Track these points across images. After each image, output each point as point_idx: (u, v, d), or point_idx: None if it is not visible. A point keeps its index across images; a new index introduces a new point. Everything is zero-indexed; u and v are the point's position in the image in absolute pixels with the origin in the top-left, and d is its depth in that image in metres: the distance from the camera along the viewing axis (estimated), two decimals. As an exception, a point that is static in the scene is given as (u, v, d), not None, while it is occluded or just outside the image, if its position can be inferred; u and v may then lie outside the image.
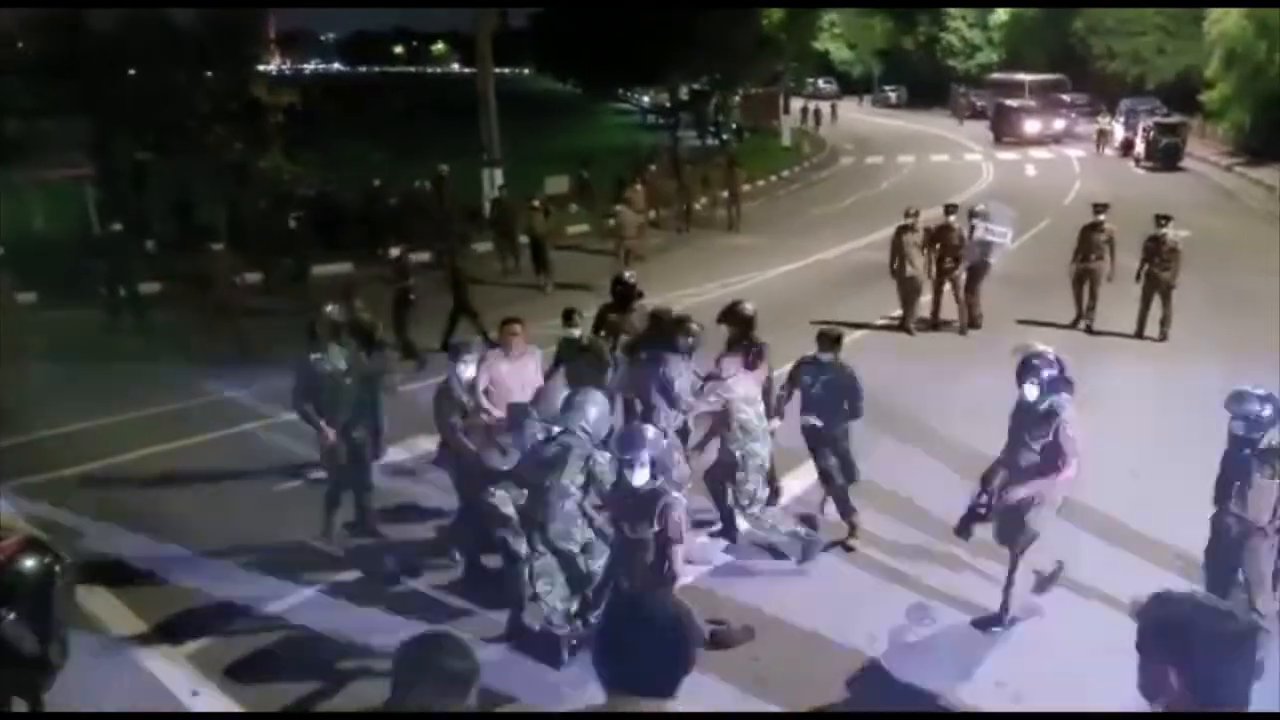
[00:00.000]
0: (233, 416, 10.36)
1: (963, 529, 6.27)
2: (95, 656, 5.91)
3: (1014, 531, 5.93)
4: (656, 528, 4.91)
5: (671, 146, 32.06)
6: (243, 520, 7.89)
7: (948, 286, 13.25)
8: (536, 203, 17.15)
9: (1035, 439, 5.80)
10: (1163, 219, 12.47)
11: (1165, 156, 30.64)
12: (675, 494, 5.08)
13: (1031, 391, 5.77)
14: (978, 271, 13.24)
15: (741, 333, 7.37)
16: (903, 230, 13.09)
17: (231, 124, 19.74)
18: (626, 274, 9.08)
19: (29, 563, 2.06)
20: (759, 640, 6.03)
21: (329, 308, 7.59)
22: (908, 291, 13.20)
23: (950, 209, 13.27)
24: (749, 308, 7.62)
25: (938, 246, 13.05)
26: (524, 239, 17.02)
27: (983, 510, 6.08)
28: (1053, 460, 5.75)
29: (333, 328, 7.37)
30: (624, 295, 8.71)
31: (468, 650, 2.56)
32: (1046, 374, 5.76)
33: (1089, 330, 12.93)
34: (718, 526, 7.47)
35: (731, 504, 7.09)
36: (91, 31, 18.05)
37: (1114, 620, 6.12)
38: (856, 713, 5.08)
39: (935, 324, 13.28)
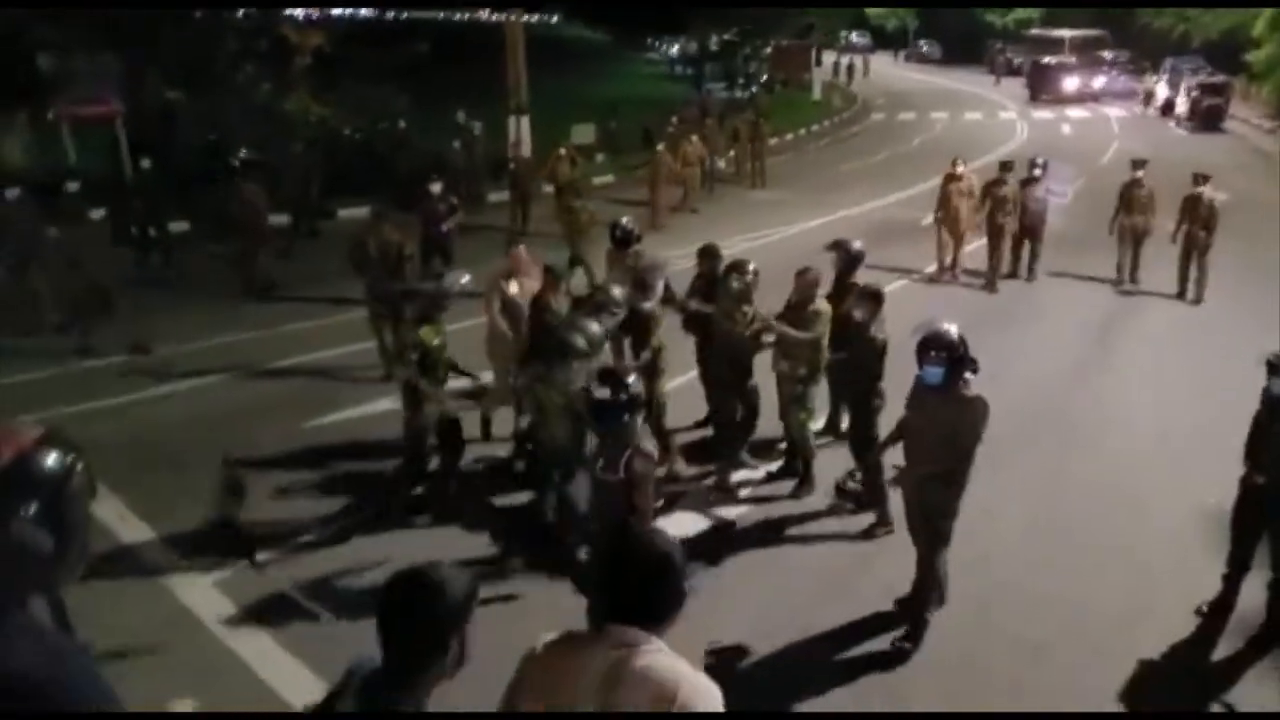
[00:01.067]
0: (259, 356, 10.46)
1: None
2: (125, 584, 6.04)
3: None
4: (622, 475, 4.67)
5: (701, 99, 31.61)
6: (269, 454, 7.97)
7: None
8: (563, 151, 17.01)
9: (940, 423, 5.23)
10: (1201, 178, 12.29)
11: (1207, 118, 30.00)
12: (647, 446, 4.85)
13: (934, 375, 5.23)
14: (1036, 227, 13.31)
15: (845, 267, 7.71)
16: (949, 179, 13.37)
17: (259, 64, 19.68)
18: (624, 219, 9.23)
19: (49, 458, 2.03)
20: (768, 590, 6.07)
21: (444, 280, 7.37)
22: (952, 239, 13.45)
23: (1005, 165, 13.30)
24: (856, 245, 7.89)
25: (989, 202, 13.08)
26: (549, 188, 16.91)
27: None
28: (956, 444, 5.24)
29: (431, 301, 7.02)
30: (622, 241, 8.90)
31: (455, 580, 2.33)
32: (947, 356, 5.17)
33: (1133, 283, 12.88)
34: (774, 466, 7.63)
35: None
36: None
37: (1136, 583, 6.14)
38: (858, 713, 5.08)
39: (992, 280, 13.20)
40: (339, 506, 7.19)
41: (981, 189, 13.28)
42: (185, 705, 4.97)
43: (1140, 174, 12.87)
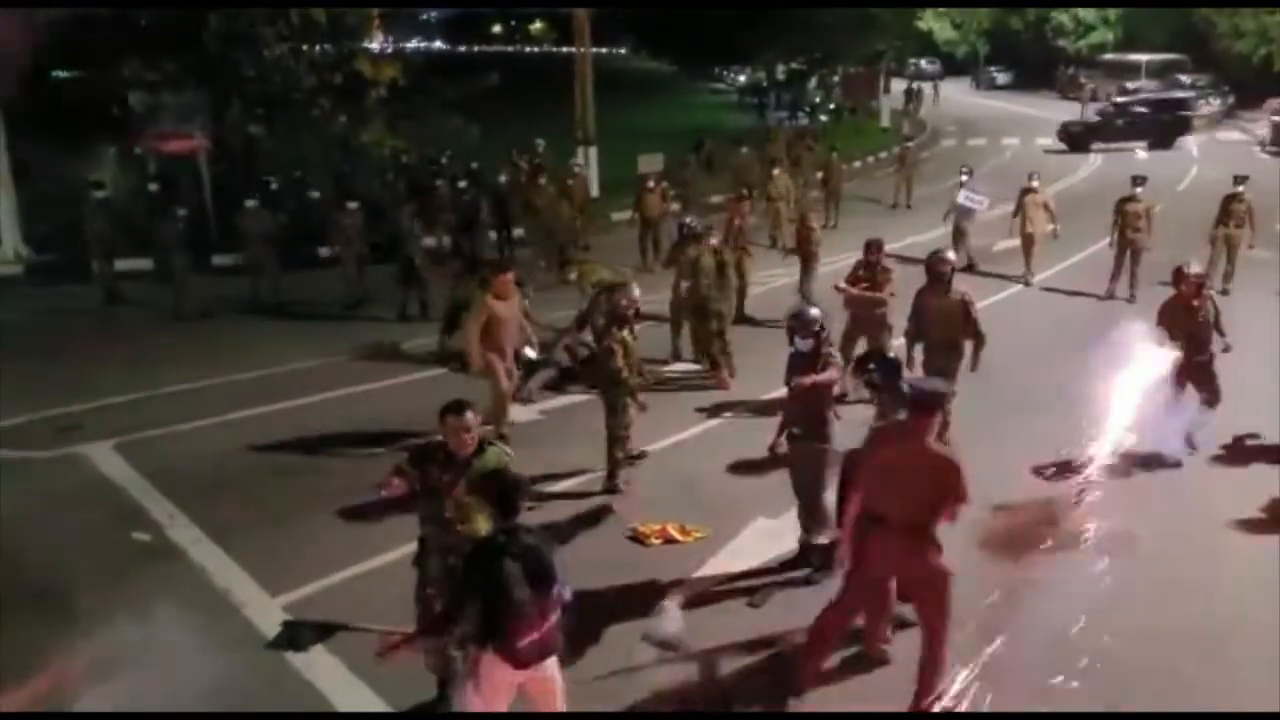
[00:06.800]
0: (328, 381, 10.71)
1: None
2: (195, 607, 6.16)
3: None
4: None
5: (773, 127, 31.47)
6: (345, 476, 8.11)
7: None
8: (651, 184, 17.05)
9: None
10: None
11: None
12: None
13: (804, 345, 6.54)
14: (957, 233, 15.33)
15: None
16: (1025, 192, 14.80)
17: (336, 98, 20.24)
18: (688, 219, 11.29)
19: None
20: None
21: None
22: (1028, 246, 14.73)
23: (1137, 180, 14.00)
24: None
25: (1120, 217, 13.75)
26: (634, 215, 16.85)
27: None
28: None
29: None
30: (690, 237, 10.82)
31: None
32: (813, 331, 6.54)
33: (1224, 292, 12.83)
34: None
35: None
36: (207, 9, 18.70)
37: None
38: (865, 713, 5.00)
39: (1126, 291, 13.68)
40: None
41: (1115, 205, 13.91)
42: None
43: (1241, 188, 13.91)
